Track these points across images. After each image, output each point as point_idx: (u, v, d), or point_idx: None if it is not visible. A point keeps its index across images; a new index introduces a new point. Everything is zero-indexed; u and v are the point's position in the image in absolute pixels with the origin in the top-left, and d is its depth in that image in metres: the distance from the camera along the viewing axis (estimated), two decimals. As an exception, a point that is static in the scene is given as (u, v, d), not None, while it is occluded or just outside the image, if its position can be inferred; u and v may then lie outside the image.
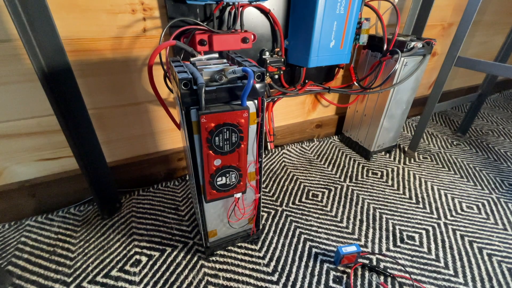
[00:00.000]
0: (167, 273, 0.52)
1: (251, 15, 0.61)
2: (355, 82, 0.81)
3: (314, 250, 0.58)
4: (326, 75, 0.81)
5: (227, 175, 0.43)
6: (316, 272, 0.53)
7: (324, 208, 0.69)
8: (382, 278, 0.53)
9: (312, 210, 0.68)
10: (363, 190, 0.76)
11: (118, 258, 0.55)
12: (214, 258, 0.55)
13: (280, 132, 0.91)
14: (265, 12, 0.62)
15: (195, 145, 0.39)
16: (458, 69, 0.77)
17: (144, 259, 0.55)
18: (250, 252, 0.57)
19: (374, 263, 0.55)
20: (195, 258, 0.55)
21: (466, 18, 0.69)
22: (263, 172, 0.82)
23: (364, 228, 0.64)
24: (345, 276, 0.53)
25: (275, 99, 0.78)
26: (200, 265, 0.54)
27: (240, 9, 0.56)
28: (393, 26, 0.87)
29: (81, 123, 0.54)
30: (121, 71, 0.59)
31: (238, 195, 0.47)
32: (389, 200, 0.72)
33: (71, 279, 0.51)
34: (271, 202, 0.71)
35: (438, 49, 1.09)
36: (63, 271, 0.52)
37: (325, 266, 0.54)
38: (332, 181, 0.79)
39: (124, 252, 0.56)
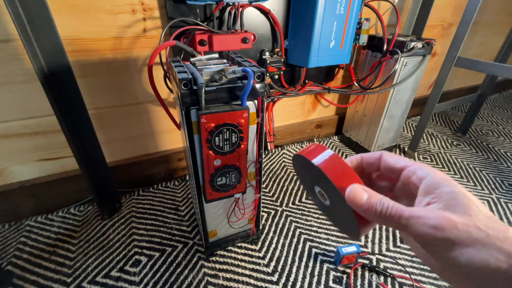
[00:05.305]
0: (167, 273, 0.52)
1: (251, 15, 0.61)
2: (355, 82, 0.81)
3: (314, 250, 0.58)
4: (326, 75, 0.81)
5: (227, 175, 0.43)
6: (316, 272, 0.53)
7: (324, 208, 0.69)
8: (382, 278, 0.53)
9: (312, 210, 0.68)
10: (363, 190, 0.76)
11: (118, 258, 0.55)
12: (214, 258, 0.55)
13: (280, 132, 0.91)
14: (265, 12, 0.62)
15: (195, 145, 0.39)
16: (458, 69, 0.76)
17: (144, 259, 0.55)
18: (250, 252, 0.57)
19: (374, 263, 0.55)
20: (195, 258, 0.55)
21: (466, 18, 0.69)
22: (263, 172, 0.82)
23: (364, 228, 0.63)
24: (345, 276, 0.53)
25: (275, 99, 0.78)
26: (200, 265, 0.54)
27: (240, 9, 0.56)
28: (393, 26, 0.87)
29: (81, 123, 0.54)
30: (121, 71, 0.59)
31: (238, 195, 0.47)
32: (389, 200, 0.72)
33: (71, 279, 0.51)
34: (271, 202, 0.71)
35: (438, 49, 1.10)
36: (63, 271, 0.52)
37: (325, 266, 0.54)
38: (332, 181, 0.79)
39: (124, 252, 0.56)
